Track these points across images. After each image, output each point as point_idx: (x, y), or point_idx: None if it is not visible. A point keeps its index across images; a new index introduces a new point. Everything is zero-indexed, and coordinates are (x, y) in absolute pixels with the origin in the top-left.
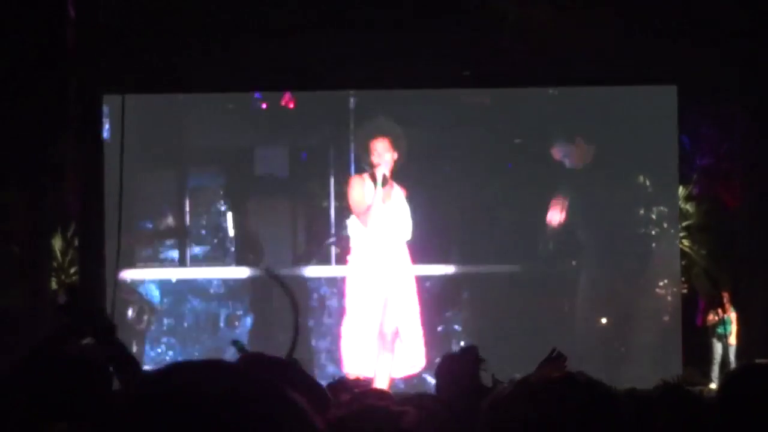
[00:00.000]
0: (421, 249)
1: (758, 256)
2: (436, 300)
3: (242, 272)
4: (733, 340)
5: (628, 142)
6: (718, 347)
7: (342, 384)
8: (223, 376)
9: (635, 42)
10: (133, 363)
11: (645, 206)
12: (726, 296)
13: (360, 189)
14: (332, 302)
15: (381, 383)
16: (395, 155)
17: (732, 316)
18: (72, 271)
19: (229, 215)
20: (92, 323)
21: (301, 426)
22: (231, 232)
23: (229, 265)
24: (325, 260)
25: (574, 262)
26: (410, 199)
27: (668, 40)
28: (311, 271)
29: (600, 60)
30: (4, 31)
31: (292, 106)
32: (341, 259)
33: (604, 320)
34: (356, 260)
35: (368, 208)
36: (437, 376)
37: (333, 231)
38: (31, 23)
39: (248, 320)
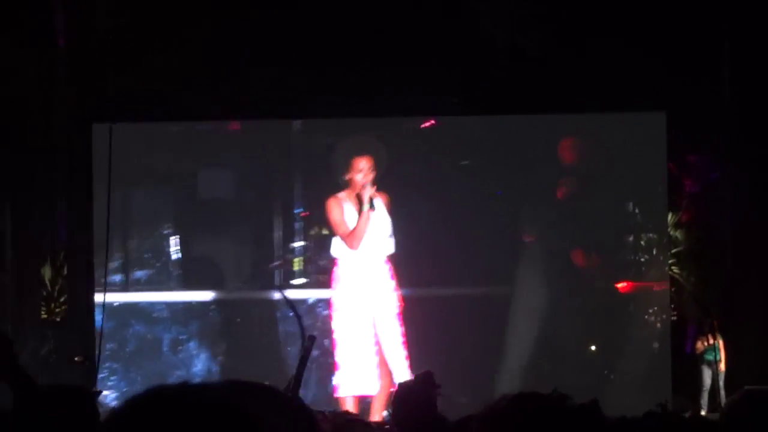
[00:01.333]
0: (405, 266)
1: (747, 282)
2: (421, 320)
3: (187, 296)
4: (722, 366)
5: (617, 169)
6: (707, 374)
7: (325, 416)
8: (202, 405)
9: (624, 69)
10: (25, 378)
11: (634, 233)
12: (715, 323)
13: (339, 211)
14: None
15: (380, 403)
16: (375, 174)
17: (721, 342)
18: (62, 299)
19: (173, 239)
20: None
21: None
22: (174, 256)
23: (172, 289)
24: (269, 283)
25: (562, 288)
26: (394, 208)
27: (657, 66)
28: (269, 294)
29: (589, 86)
30: None
31: (236, 128)
32: (281, 282)
33: (593, 347)
34: (343, 282)
35: (354, 232)
36: (394, 404)
37: (278, 254)
38: (20, 53)
39: (192, 345)
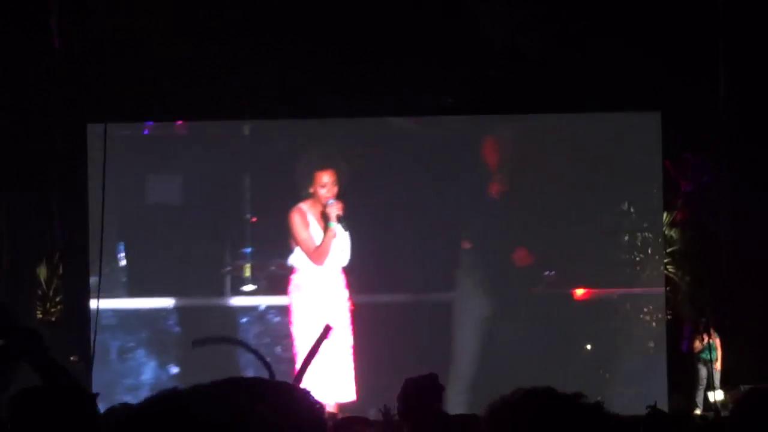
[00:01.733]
0: (362, 276)
1: (742, 282)
2: (371, 327)
3: (134, 303)
4: (718, 365)
5: (612, 169)
6: (703, 373)
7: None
8: (207, 406)
9: (619, 69)
10: (59, 369)
11: (629, 232)
12: (711, 322)
13: (304, 226)
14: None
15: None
16: (337, 189)
17: (717, 341)
18: (57, 299)
19: (121, 245)
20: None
21: None
22: (121, 263)
23: (120, 296)
24: (219, 291)
25: (557, 288)
26: (348, 220)
27: (652, 66)
28: (224, 300)
29: (585, 86)
30: None
31: (184, 132)
32: (236, 289)
33: (588, 347)
34: (301, 291)
35: (320, 249)
36: (400, 400)
37: (229, 260)
38: (16, 54)
39: (140, 353)
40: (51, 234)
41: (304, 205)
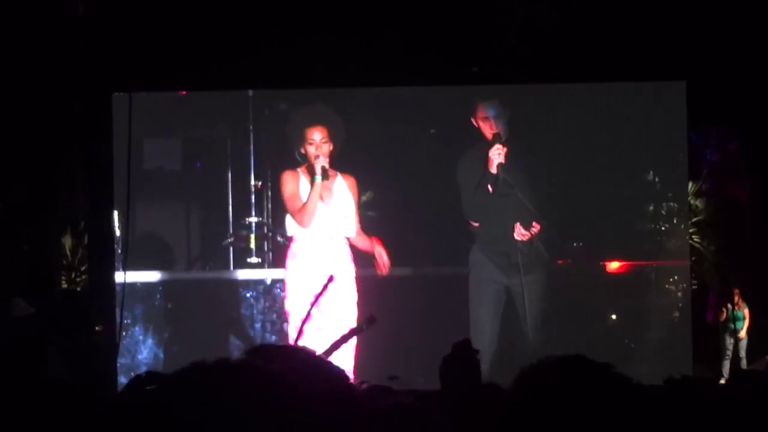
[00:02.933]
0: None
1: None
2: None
3: (130, 277)
4: (744, 335)
5: (637, 139)
6: (729, 343)
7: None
8: (238, 376)
9: (643, 37)
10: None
11: (654, 202)
12: (737, 292)
13: (294, 185)
14: (258, 306)
15: None
16: (331, 147)
17: (744, 311)
18: (82, 269)
19: (114, 214)
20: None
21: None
22: (116, 233)
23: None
24: (224, 263)
25: (581, 258)
26: (359, 189)
27: (677, 34)
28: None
29: (608, 55)
30: (11, 29)
31: (184, 92)
32: (240, 262)
33: (613, 316)
34: (297, 261)
35: (304, 206)
36: (442, 377)
37: (231, 231)
38: (39, 21)
39: (137, 330)
40: (75, 203)
41: (300, 168)
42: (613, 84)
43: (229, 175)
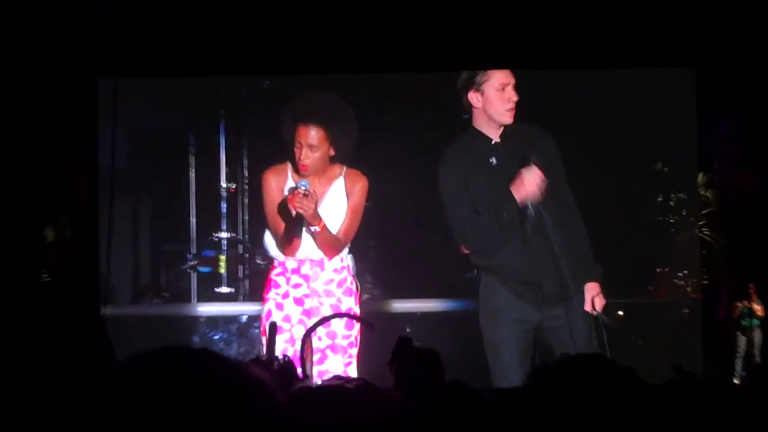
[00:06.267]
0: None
1: None
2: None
3: None
4: (757, 332)
5: (645, 128)
6: (741, 340)
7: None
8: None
9: (653, 23)
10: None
11: (663, 193)
12: (752, 287)
13: (277, 193)
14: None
15: None
16: (331, 152)
17: (759, 307)
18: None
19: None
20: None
21: (263, 400)
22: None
23: None
24: (183, 295)
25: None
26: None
27: (687, 20)
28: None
29: (617, 42)
30: None
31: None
32: (205, 292)
33: (620, 312)
34: (280, 294)
35: (285, 236)
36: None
37: (193, 250)
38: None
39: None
40: (57, 195)
41: (288, 167)
42: (622, 71)
43: (192, 174)
